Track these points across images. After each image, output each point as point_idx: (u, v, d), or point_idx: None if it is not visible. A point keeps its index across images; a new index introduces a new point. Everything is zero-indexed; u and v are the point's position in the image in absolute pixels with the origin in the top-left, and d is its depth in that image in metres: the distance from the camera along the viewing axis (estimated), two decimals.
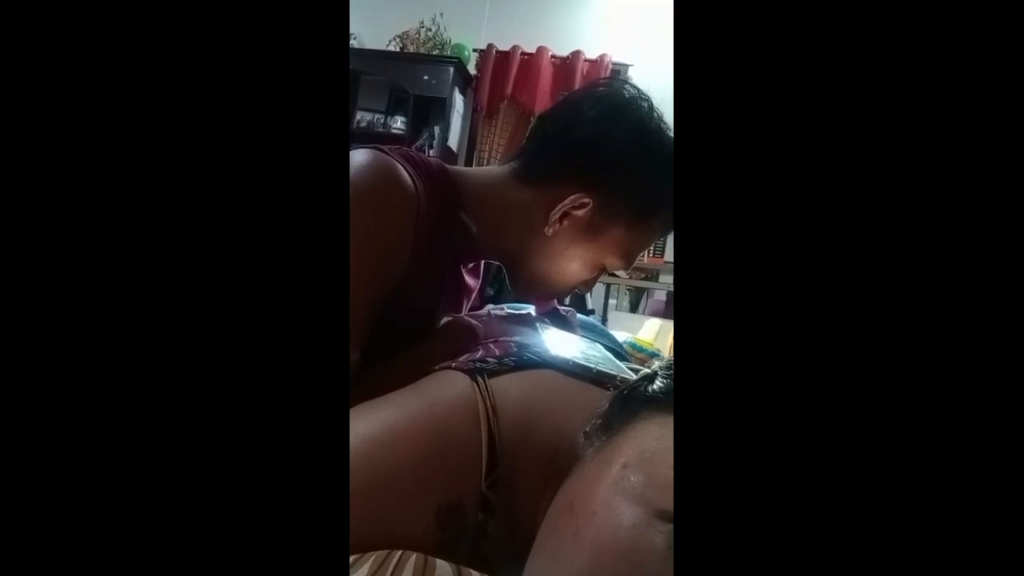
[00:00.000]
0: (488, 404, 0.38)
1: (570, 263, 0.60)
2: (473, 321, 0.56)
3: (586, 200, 0.57)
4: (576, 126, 0.58)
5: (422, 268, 0.54)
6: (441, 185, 0.57)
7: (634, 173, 0.56)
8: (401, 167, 0.53)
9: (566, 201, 0.57)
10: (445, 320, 0.60)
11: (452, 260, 0.60)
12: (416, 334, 0.57)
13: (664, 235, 0.65)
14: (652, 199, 0.57)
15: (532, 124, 0.66)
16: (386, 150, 0.54)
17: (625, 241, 0.59)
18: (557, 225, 0.58)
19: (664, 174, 0.56)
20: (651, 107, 0.58)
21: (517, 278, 0.63)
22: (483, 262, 0.70)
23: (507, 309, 0.64)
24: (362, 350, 0.51)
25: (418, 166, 0.55)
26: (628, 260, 0.61)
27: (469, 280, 0.67)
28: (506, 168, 0.62)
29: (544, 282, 0.62)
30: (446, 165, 0.60)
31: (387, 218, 0.51)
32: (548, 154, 0.59)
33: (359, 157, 0.52)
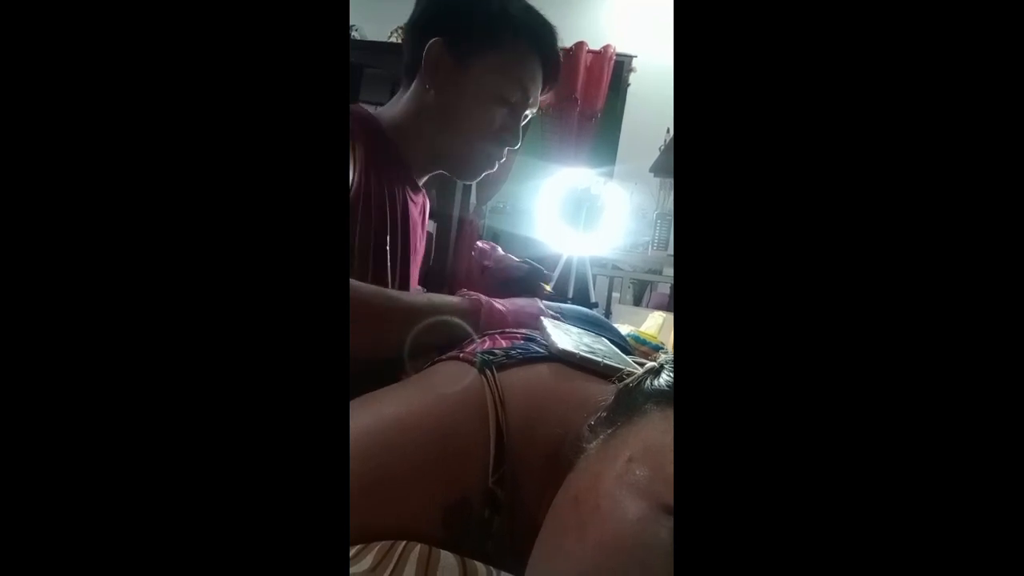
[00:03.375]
0: (497, 398, 0.38)
1: (472, 110, 0.66)
2: (476, 296, 0.57)
3: (437, 44, 0.65)
4: (411, 21, 0.70)
5: (360, 183, 0.60)
6: (364, 120, 0.65)
7: (463, 6, 0.66)
8: None
9: (424, 56, 0.65)
10: (458, 296, 0.60)
11: (392, 183, 0.66)
12: (368, 253, 0.63)
13: (545, 57, 0.69)
14: (495, 18, 0.65)
15: None
16: None
17: (500, 62, 0.66)
18: (433, 79, 0.66)
19: (494, 3, 0.67)
20: None
21: (454, 163, 0.70)
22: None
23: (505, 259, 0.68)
24: None
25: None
26: (516, 82, 0.67)
27: (414, 209, 0.72)
28: (398, 91, 0.72)
29: (470, 144, 0.68)
30: (364, 107, 0.70)
31: None
32: (406, 53, 0.70)
33: None
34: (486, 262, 0.71)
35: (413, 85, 0.69)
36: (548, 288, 0.68)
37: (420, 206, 0.74)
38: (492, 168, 0.74)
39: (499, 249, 0.71)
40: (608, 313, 2.02)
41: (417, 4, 0.70)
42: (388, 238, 0.65)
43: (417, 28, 0.68)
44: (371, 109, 0.74)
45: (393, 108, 0.70)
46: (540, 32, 0.69)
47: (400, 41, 3.00)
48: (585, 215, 1.58)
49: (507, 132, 0.69)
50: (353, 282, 0.48)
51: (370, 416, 0.39)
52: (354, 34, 2.91)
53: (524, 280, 0.67)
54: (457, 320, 0.52)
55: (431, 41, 0.65)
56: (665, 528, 0.27)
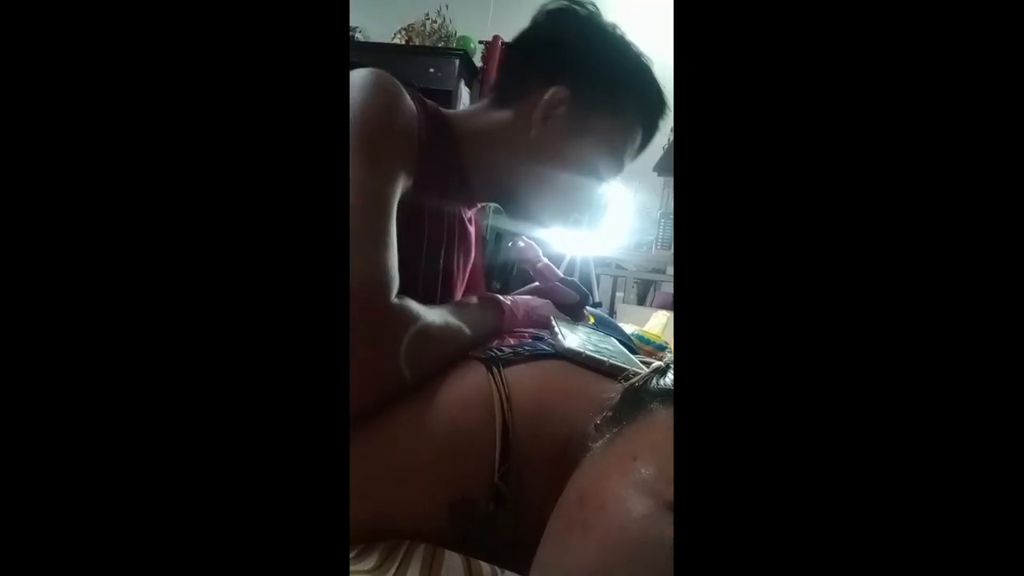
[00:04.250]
0: (503, 394, 0.38)
1: (562, 170, 0.60)
2: (502, 299, 0.55)
3: (563, 93, 0.58)
4: (535, 36, 0.62)
5: (422, 200, 0.54)
6: (434, 119, 0.57)
7: (599, 61, 0.59)
8: (402, 86, 0.53)
9: (545, 98, 0.58)
10: (474, 296, 0.59)
11: (450, 203, 0.60)
12: (430, 277, 0.58)
13: (647, 133, 0.65)
14: (625, 86, 0.59)
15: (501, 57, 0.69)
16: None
17: (610, 133, 0.60)
18: (542, 127, 0.58)
19: (628, 64, 0.60)
20: (597, 9, 0.61)
21: (517, 208, 0.64)
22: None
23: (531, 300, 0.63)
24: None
25: (415, 95, 0.56)
26: (617, 156, 0.62)
27: (469, 228, 0.66)
28: (484, 101, 0.64)
29: (542, 201, 0.62)
30: (437, 106, 0.61)
31: (397, 126, 0.49)
32: (517, 69, 0.62)
33: (363, 72, 0.51)
34: (525, 265, 0.66)
35: (509, 116, 0.60)
36: (591, 319, 0.64)
37: (472, 218, 0.68)
38: (547, 228, 0.69)
39: (541, 255, 0.66)
40: (612, 312, 2.02)
41: (536, 28, 0.62)
42: (443, 254, 0.60)
43: (537, 61, 0.60)
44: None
45: (472, 123, 0.61)
46: (656, 109, 0.63)
47: (404, 43, 2.98)
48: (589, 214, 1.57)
49: (584, 204, 0.65)
50: (422, 309, 0.44)
51: (379, 413, 0.39)
52: (357, 35, 2.92)
53: (574, 307, 0.62)
54: (485, 329, 0.50)
55: (556, 88, 0.58)
56: (670, 526, 0.27)
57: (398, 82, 0.53)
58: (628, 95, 0.60)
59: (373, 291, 0.39)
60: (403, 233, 0.49)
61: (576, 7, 0.61)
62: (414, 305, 0.43)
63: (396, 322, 0.40)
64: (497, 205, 0.67)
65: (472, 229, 0.67)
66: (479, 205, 0.68)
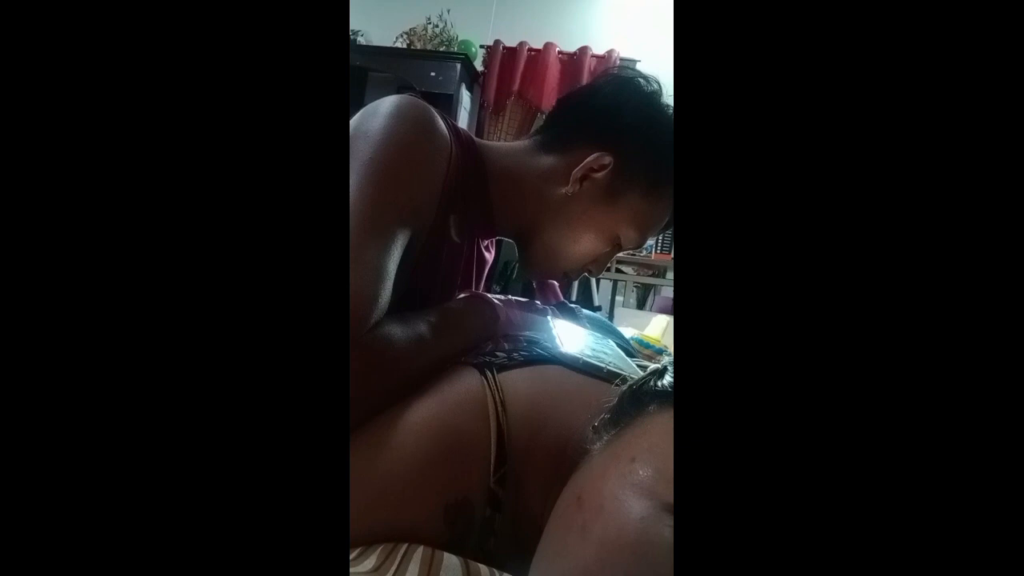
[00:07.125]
0: (497, 399, 0.38)
1: (586, 232, 0.60)
2: (494, 299, 0.55)
3: (607, 160, 0.57)
4: (594, 97, 0.62)
5: (445, 230, 0.53)
6: (468, 150, 0.56)
7: (650, 138, 0.58)
8: (439, 117, 0.53)
9: (588, 160, 0.57)
10: (465, 295, 0.59)
11: (471, 233, 0.59)
12: (445, 300, 0.57)
13: (669, 208, 0.64)
14: (667, 168, 0.58)
15: (552, 107, 0.67)
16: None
17: (641, 210, 0.60)
18: (577, 186, 0.58)
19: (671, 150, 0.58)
20: (661, 88, 0.61)
21: (531, 252, 0.63)
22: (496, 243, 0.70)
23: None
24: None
25: (450, 124, 0.55)
26: (642, 232, 0.61)
27: (487, 255, 0.66)
28: (526, 141, 0.63)
29: (558, 254, 0.61)
30: (472, 136, 0.61)
31: (422, 159, 0.49)
32: (568, 123, 0.61)
33: (396, 98, 0.51)
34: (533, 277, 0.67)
35: (547, 164, 0.60)
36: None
37: (489, 246, 0.67)
38: (557, 283, 0.68)
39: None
40: (611, 316, 2.02)
41: (597, 88, 0.63)
42: (460, 279, 0.60)
43: (590, 120, 0.60)
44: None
45: (507, 161, 0.60)
46: None
47: (406, 47, 2.97)
48: None
49: (596, 265, 0.64)
50: (404, 330, 0.43)
51: (374, 419, 0.39)
52: (360, 39, 2.93)
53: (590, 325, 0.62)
54: (478, 332, 0.50)
55: (601, 153, 0.57)
56: (668, 527, 0.27)
57: (432, 110, 0.52)
58: (668, 180, 0.59)
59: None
60: (422, 256, 0.49)
61: (641, 80, 0.61)
62: (394, 331, 0.42)
63: (364, 358, 0.39)
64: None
65: (489, 256, 0.67)
66: (496, 237, 0.67)
